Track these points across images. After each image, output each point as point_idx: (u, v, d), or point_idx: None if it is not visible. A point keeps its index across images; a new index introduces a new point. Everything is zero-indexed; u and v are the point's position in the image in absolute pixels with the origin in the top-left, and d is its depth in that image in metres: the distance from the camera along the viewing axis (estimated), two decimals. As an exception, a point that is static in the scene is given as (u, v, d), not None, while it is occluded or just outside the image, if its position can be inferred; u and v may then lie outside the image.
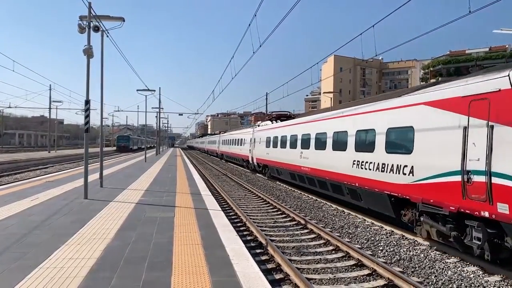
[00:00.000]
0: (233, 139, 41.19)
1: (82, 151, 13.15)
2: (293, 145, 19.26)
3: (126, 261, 5.99)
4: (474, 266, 8.07)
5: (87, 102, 12.22)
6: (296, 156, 18.57)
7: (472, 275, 7.56)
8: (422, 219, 9.43)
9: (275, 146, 22.88)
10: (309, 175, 17.01)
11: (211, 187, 20.38)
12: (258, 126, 30.28)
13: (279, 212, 14.06)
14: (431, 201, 8.85)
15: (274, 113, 28.12)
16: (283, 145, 21.11)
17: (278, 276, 7.37)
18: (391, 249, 9.36)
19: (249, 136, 31.54)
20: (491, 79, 7.64)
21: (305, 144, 17.60)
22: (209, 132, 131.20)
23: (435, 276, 7.56)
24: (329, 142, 14.91)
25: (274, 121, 26.07)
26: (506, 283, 7.19)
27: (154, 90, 33.49)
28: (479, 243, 7.70)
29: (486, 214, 7.35)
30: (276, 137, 22.89)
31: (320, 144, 15.90)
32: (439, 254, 8.87)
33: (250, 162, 30.96)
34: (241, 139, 35.52)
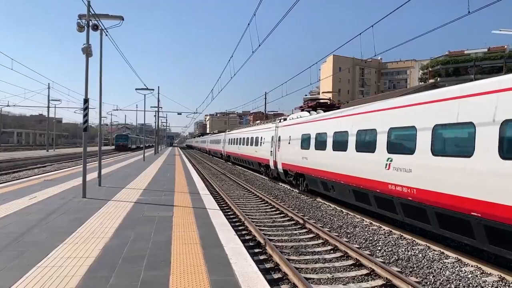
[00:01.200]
0: (244, 138, 33.09)
1: (81, 150, 13.14)
2: (367, 147, 11.86)
3: (124, 260, 5.99)
4: (472, 266, 8.09)
5: (86, 100, 12.19)
6: (375, 165, 11.13)
7: (470, 275, 7.58)
8: None
9: (320, 147, 15.56)
10: (412, 202, 9.54)
11: (210, 186, 20.38)
12: (284, 120, 22.77)
13: (277, 212, 14.06)
14: None
15: (310, 100, 20.77)
16: (340, 146, 13.65)
17: (276, 276, 7.38)
18: (390, 249, 9.37)
19: (270, 133, 24.27)
20: None
21: (401, 145, 10.43)
22: (208, 131, 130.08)
23: (433, 276, 7.58)
24: (487, 143, 7.53)
25: (312, 112, 18.85)
26: (503, 283, 7.21)
27: (153, 89, 33.44)
28: None
29: None
30: (322, 135, 15.44)
31: (452, 146, 8.82)
32: (437, 254, 8.89)
33: (272, 167, 23.52)
34: (258, 138, 27.92)
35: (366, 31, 12.68)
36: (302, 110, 20.52)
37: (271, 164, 23.61)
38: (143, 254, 6.29)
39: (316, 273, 7.67)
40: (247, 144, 31.88)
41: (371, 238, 10.37)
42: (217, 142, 55.69)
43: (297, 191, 19.38)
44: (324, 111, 17.65)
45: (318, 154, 15.84)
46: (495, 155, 7.31)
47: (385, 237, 10.44)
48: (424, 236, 10.17)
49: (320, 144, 15.66)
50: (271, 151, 23.57)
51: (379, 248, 9.54)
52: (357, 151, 12.48)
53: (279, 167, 21.70)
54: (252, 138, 30.10)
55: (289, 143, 19.87)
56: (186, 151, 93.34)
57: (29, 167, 33.06)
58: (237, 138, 37.38)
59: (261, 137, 26.95)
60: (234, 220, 12.34)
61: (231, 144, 40.52)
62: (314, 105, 19.39)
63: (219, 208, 10.92)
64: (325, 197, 16.37)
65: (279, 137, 21.99)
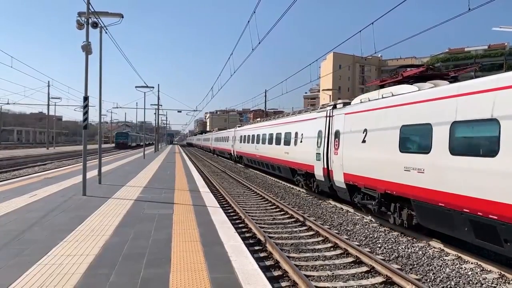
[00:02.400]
0: (266, 134, 25.26)
1: (81, 148, 13.13)
2: None
3: (124, 257, 5.99)
4: (472, 263, 8.09)
5: (86, 98, 12.18)
6: None
7: (470, 272, 7.59)
8: None
9: (473, 149, 7.94)
10: None
11: (210, 184, 20.38)
12: (346, 104, 14.35)
13: (277, 209, 14.07)
14: None
15: (401, 68, 12.40)
16: None
17: (276, 273, 7.38)
18: (390, 246, 9.38)
19: (316, 125, 16.46)
20: None
21: None
22: (208, 129, 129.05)
23: (433, 273, 7.59)
24: None
25: (420, 84, 10.47)
26: (503, 280, 7.22)
27: (153, 87, 33.43)
28: None
29: None
30: (482, 125, 7.75)
31: None
32: (437, 252, 8.90)
33: (320, 178, 15.61)
34: (291, 134, 19.93)
35: (366, 29, 12.63)
36: (382, 86, 12.57)
37: (318, 172, 15.72)
38: (143, 252, 6.29)
39: (316, 271, 7.68)
40: (270, 143, 24.04)
41: (371, 236, 10.38)
42: (224, 139, 46.78)
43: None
44: (450, 82, 10.04)
45: (463, 164, 8.01)
46: None
47: (385, 235, 10.45)
48: (424, 234, 10.17)
49: (474, 143, 8.00)
50: (319, 153, 15.66)
51: (379, 245, 9.55)
52: None
53: (337, 178, 13.83)
54: (279, 134, 22.16)
55: (363, 141, 12.00)
56: (186, 149, 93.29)
57: (29, 165, 33.05)
58: (253, 135, 29.34)
59: (297, 133, 18.91)
60: (234, 217, 12.34)
61: (244, 142, 32.62)
62: (419, 74, 10.95)
63: (219, 206, 10.92)
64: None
65: (337, 131, 14.07)
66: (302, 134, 18.26)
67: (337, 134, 14.15)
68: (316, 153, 15.98)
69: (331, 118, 15.09)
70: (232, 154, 39.85)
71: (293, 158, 19.18)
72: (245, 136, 32.95)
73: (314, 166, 16.28)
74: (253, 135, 29.52)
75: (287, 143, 20.39)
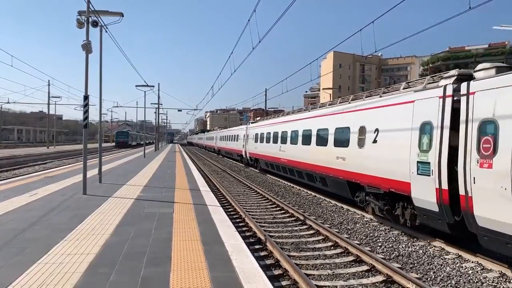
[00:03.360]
0: (299, 131, 18.88)
1: (81, 147, 13.13)
2: None
3: (125, 256, 5.99)
4: (472, 262, 8.09)
5: (86, 97, 12.17)
6: None
7: (470, 271, 7.59)
8: None
9: None
10: None
11: (210, 183, 20.38)
12: None
13: (278, 208, 14.07)
14: None
15: None
16: None
17: (277, 272, 7.38)
18: (390, 245, 9.38)
19: (417, 113, 9.65)
20: None
21: None
22: (208, 128, 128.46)
23: (434, 272, 7.59)
24: None
25: None
26: (504, 279, 7.22)
27: (153, 86, 33.40)
28: None
29: None
30: None
31: None
32: (437, 251, 8.90)
33: (427, 207, 9.06)
34: (348, 130, 13.50)
35: (366, 27, 12.60)
36: None
37: (424, 195, 9.19)
38: (144, 251, 6.29)
39: (317, 269, 7.68)
40: (306, 143, 17.73)
41: (371, 235, 10.38)
42: (233, 138, 40.17)
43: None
44: None
45: None
46: None
47: (386, 234, 10.45)
48: (425, 232, 10.17)
49: None
50: (425, 162, 9.17)
51: (379, 244, 9.55)
52: None
53: (490, 215, 7.24)
54: (323, 130, 15.81)
55: None
56: (187, 148, 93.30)
57: (30, 164, 33.04)
58: (275, 132, 23.30)
59: (364, 127, 12.40)
60: (234, 216, 12.34)
61: (262, 141, 26.78)
62: None
63: (219, 205, 10.92)
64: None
65: (485, 123, 7.54)
66: (376, 129, 11.66)
67: (484, 129, 7.57)
68: (418, 162, 9.43)
69: (465, 98, 8.13)
70: (244, 156, 33.43)
71: (357, 167, 12.55)
72: (262, 133, 26.60)
73: (410, 184, 9.71)
74: (275, 133, 23.24)
75: (340, 143, 14.00)
